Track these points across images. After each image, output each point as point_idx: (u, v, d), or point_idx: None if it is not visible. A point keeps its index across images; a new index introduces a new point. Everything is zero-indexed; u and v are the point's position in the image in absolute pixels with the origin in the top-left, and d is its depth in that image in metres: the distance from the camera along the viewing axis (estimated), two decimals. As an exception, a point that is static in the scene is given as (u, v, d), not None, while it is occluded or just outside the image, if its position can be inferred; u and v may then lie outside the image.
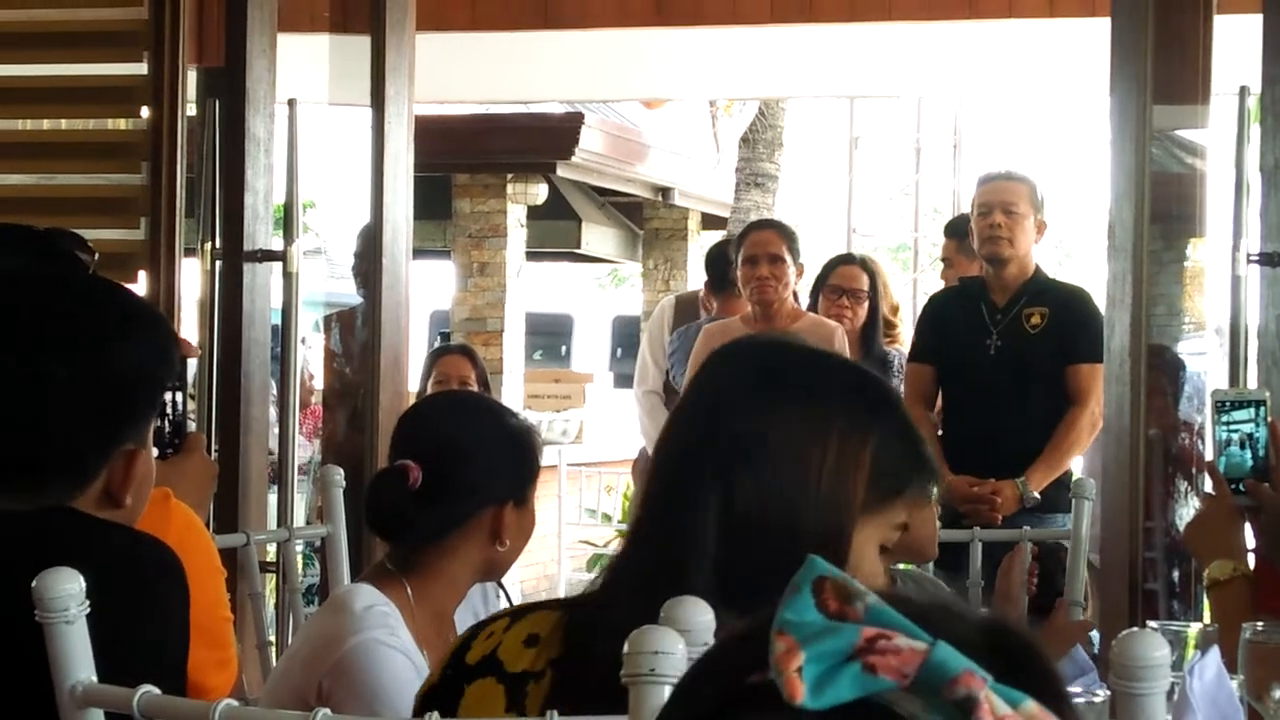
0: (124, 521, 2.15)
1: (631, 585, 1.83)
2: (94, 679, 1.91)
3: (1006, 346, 5.21)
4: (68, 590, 1.89)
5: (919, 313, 5.76)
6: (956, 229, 6.37)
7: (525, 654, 1.86)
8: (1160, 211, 4.10)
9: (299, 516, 4.88)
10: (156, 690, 1.86)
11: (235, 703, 1.83)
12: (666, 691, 1.52)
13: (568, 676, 1.84)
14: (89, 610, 1.91)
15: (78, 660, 1.91)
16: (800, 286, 6.24)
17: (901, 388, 5.82)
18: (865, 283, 6.13)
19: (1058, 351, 5.13)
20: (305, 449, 6.62)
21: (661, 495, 1.86)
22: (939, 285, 6.97)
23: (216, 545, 2.62)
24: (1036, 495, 5.06)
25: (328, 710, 1.75)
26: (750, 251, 5.70)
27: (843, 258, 6.65)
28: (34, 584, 1.88)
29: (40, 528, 2.08)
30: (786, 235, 5.82)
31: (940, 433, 5.31)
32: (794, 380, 1.85)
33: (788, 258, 5.67)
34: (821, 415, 1.80)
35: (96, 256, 3.24)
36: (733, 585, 1.75)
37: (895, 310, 6.71)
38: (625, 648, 1.59)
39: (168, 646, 2.09)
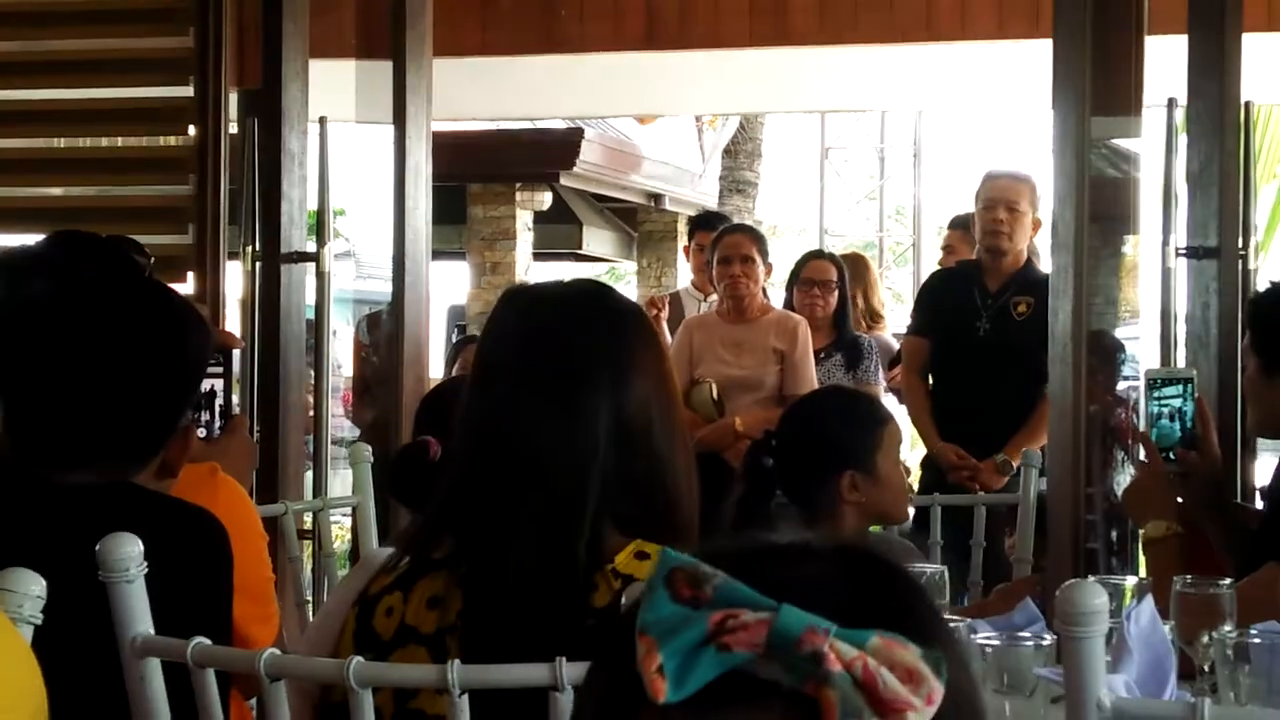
0: (164, 486, 2.19)
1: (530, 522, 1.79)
2: (151, 632, 1.92)
3: (994, 330, 5.17)
4: (128, 552, 1.90)
5: (918, 291, 5.76)
6: (961, 222, 6.38)
7: (431, 615, 1.82)
8: (1098, 212, 4.10)
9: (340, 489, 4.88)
10: (208, 641, 1.87)
11: (279, 651, 1.83)
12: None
13: (479, 624, 1.80)
14: (147, 572, 1.92)
15: (137, 615, 1.92)
16: (771, 284, 6.22)
17: (872, 367, 5.87)
18: (834, 274, 6.14)
19: (1040, 338, 5.10)
20: (343, 429, 6.61)
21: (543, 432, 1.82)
22: (904, 281, 7.01)
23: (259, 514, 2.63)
24: (1014, 466, 5.06)
25: (360, 658, 1.76)
26: (724, 253, 5.74)
27: (813, 254, 6.68)
28: (98, 547, 1.90)
29: (106, 500, 2.11)
30: (756, 238, 5.88)
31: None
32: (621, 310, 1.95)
33: (757, 258, 5.71)
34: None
35: (152, 260, 3.25)
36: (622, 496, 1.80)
37: (883, 305, 6.77)
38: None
39: (216, 603, 2.11)
